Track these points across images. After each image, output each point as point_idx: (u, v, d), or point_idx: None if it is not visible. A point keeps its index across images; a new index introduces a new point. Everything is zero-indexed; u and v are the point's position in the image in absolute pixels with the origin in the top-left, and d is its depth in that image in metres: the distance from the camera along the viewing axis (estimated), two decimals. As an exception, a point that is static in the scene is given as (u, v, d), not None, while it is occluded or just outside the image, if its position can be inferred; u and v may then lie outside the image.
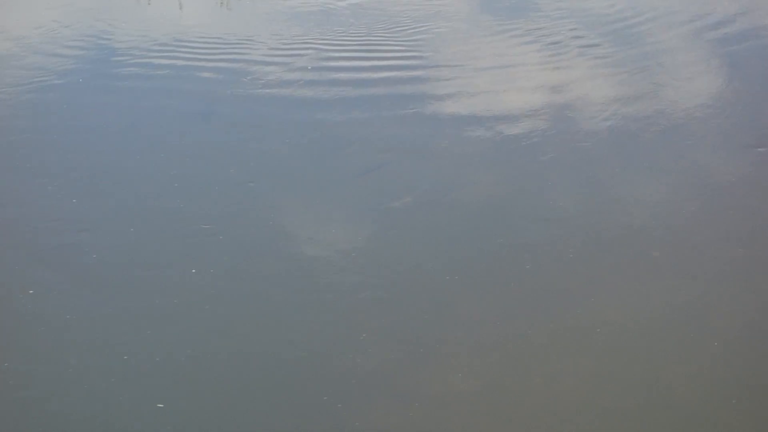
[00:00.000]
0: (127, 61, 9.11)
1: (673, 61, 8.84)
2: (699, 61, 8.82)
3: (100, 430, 4.71)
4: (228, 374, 5.00)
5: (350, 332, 5.25)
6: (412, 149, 7.26)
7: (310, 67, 8.84)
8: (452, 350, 5.09)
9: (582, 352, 5.07)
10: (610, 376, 4.90)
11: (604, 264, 5.80)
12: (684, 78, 8.42)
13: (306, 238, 6.15)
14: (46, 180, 6.89)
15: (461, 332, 5.22)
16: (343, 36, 9.69)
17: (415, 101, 8.03)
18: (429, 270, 5.76)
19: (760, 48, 9.19)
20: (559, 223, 6.19)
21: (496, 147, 7.23)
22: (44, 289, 5.69)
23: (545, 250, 5.92)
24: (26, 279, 5.80)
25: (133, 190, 6.79)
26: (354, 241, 6.04)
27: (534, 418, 4.67)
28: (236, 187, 6.74)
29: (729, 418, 4.61)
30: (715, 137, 7.33)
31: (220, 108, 8.02)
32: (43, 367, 5.09)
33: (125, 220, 6.38)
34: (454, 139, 7.35)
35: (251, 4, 11.06)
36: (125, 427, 4.70)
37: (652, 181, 6.69)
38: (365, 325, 5.31)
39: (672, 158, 7.02)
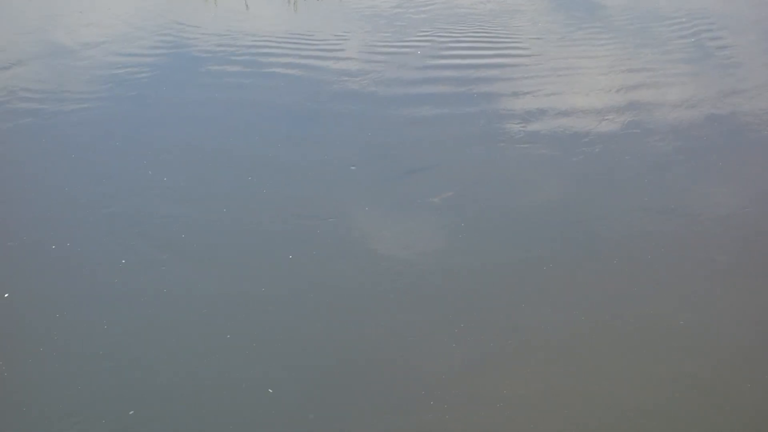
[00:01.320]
0: (221, 59, 9.30)
1: (750, 65, 8.97)
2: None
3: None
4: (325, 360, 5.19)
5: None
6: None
7: (394, 68, 8.99)
8: (521, 351, 5.22)
9: (647, 357, 5.16)
10: (676, 379, 5.00)
11: (670, 267, 5.88)
12: (760, 84, 8.51)
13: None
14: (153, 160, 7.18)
15: (529, 334, 5.33)
16: (419, 37, 9.87)
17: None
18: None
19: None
20: (624, 224, 6.31)
21: (565, 146, 7.33)
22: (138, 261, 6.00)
23: (609, 250, 6.04)
24: (122, 251, 6.11)
25: (236, 174, 7.00)
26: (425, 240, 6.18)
27: (602, 417, 4.80)
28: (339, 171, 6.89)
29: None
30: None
31: (326, 105, 8.12)
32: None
33: (222, 202, 6.62)
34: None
35: (318, 5, 11.27)
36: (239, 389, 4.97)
37: (720, 185, 6.79)
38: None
39: (741, 163, 7.11)
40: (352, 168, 7.06)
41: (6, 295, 5.96)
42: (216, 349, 5.29)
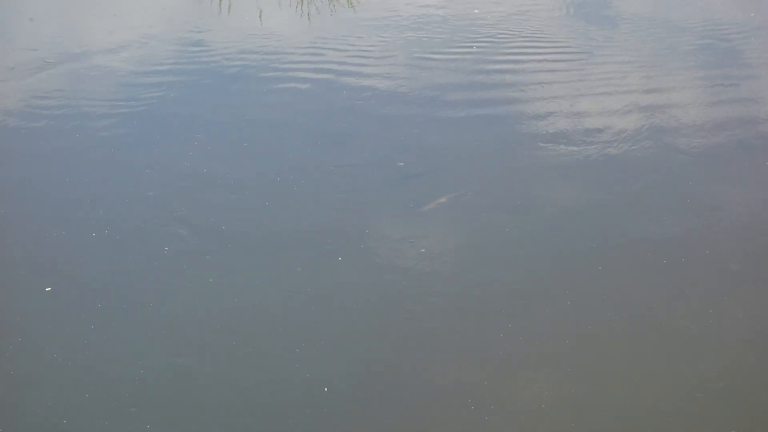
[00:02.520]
0: (241, 73, 9.44)
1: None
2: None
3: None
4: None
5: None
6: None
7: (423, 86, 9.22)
8: (529, 359, 5.43)
9: (661, 364, 5.35)
10: (692, 387, 5.19)
11: (684, 274, 6.10)
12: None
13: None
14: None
15: (539, 341, 5.54)
16: (441, 46, 10.07)
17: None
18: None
19: None
20: (638, 231, 6.55)
21: (580, 152, 7.58)
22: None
23: (626, 260, 6.25)
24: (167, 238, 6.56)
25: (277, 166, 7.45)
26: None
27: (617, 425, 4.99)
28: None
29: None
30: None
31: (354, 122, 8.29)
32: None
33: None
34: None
35: (330, 16, 11.42)
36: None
37: (736, 194, 7.02)
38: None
39: (758, 172, 7.34)
40: (400, 164, 7.40)
41: (48, 289, 6.20)
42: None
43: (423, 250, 6.40)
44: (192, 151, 7.78)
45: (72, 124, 8.39)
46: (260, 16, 11.25)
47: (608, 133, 7.88)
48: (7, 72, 9.53)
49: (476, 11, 11.05)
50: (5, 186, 7.41)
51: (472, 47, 9.93)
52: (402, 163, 7.41)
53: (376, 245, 6.45)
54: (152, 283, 6.21)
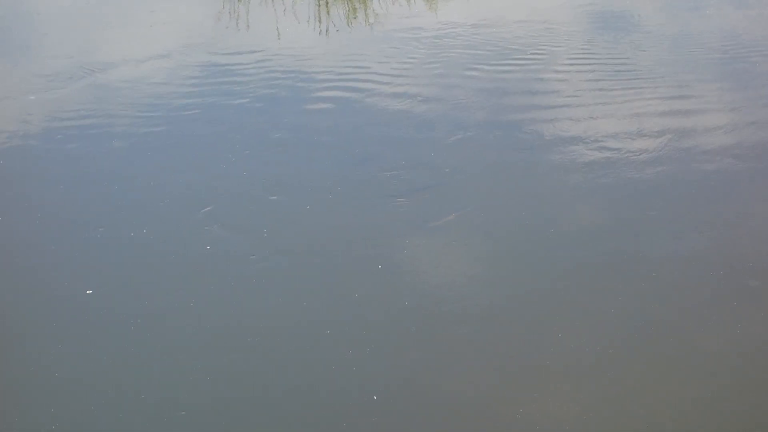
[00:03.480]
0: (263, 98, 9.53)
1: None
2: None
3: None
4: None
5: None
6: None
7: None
8: (549, 376, 5.55)
9: (680, 381, 5.44)
10: (711, 405, 5.29)
11: (702, 291, 6.21)
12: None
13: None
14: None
15: (558, 358, 5.67)
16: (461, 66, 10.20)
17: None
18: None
19: None
20: (654, 248, 6.66)
21: (596, 171, 7.73)
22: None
23: (644, 277, 6.36)
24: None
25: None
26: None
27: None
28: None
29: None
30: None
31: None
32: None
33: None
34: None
35: (348, 32, 11.54)
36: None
37: (754, 210, 7.17)
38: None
39: None
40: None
41: (89, 292, 6.29)
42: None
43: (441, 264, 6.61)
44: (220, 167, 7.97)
45: (104, 129, 8.48)
46: (278, 35, 11.32)
47: (627, 152, 8.02)
48: (33, 83, 9.61)
49: (493, 29, 11.15)
50: (42, 191, 7.62)
51: (493, 65, 10.00)
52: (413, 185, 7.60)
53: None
54: (195, 283, 6.43)
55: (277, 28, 11.65)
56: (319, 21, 11.93)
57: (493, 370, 5.61)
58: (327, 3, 12.45)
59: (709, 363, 5.57)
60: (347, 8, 12.24)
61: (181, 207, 7.38)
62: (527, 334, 5.88)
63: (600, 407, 5.28)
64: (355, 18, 12.00)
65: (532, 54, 10.39)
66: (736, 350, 5.66)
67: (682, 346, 5.70)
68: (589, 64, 10.11)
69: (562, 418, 5.22)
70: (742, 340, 5.74)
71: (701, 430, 5.13)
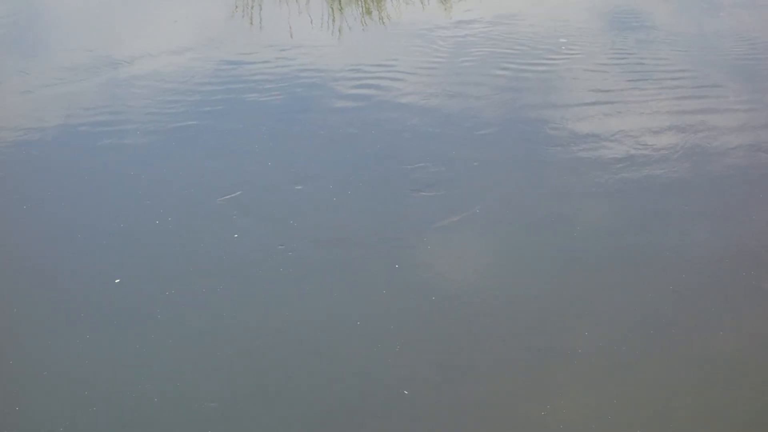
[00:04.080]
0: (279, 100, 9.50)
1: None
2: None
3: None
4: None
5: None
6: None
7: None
8: (560, 379, 5.61)
9: (694, 385, 5.49)
10: (724, 410, 5.32)
11: (717, 295, 6.24)
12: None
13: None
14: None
15: (569, 361, 5.72)
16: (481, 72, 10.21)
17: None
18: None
19: None
20: (669, 250, 6.70)
21: (609, 172, 7.77)
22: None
23: (657, 278, 6.42)
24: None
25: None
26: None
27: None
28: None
29: None
30: None
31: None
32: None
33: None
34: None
35: (362, 32, 11.56)
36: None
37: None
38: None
39: None
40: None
41: (117, 281, 6.30)
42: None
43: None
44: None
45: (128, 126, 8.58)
46: (291, 33, 11.32)
47: (644, 152, 8.06)
48: (49, 77, 9.62)
49: (507, 26, 11.17)
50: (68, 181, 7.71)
51: (507, 65, 10.02)
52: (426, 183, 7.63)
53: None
54: (223, 272, 6.51)
55: (291, 27, 11.68)
56: (333, 20, 11.95)
57: (520, 362, 5.71)
58: (340, 2, 12.46)
59: (722, 366, 5.60)
60: (362, 7, 12.26)
61: (207, 196, 7.45)
62: (552, 326, 5.97)
63: (610, 408, 5.34)
64: (369, 17, 12.02)
65: (550, 51, 10.45)
66: (750, 353, 5.70)
67: (694, 347, 5.74)
68: (610, 62, 10.15)
69: (586, 413, 5.30)
70: (755, 342, 5.79)
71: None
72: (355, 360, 5.74)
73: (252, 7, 12.31)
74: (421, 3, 12.34)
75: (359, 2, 12.46)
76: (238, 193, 7.39)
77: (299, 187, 7.55)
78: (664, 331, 5.88)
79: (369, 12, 12.15)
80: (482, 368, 5.66)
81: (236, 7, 12.36)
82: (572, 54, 10.41)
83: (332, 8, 12.30)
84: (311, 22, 11.85)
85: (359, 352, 5.78)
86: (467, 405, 5.40)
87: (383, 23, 11.75)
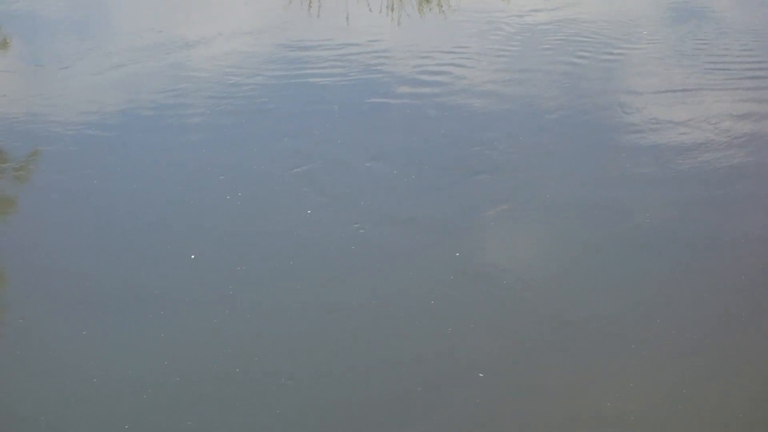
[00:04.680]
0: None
1: None
2: None
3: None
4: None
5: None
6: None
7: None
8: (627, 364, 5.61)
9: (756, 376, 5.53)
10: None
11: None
12: None
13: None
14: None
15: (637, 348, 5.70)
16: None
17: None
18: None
19: None
20: (726, 254, 6.62)
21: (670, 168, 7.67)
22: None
23: (709, 280, 6.34)
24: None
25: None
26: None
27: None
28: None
29: None
30: None
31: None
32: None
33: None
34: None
35: (420, 19, 11.57)
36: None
37: None
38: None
39: None
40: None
41: (192, 257, 6.35)
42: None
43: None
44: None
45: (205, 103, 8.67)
46: (347, 19, 11.34)
47: (701, 143, 8.01)
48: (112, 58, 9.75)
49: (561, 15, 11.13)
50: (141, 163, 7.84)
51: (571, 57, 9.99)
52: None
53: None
54: (295, 247, 6.61)
55: (349, 13, 11.72)
56: (392, 8, 11.97)
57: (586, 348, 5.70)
58: (399, -9, 12.50)
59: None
60: (420, -4, 12.30)
61: (279, 172, 7.55)
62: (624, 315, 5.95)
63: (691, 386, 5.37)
64: (428, 4, 12.03)
65: (610, 40, 10.42)
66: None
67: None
68: (688, 51, 10.08)
69: (653, 401, 5.30)
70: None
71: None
72: (428, 340, 5.77)
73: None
74: (480, -9, 12.37)
75: (419, -9, 12.49)
76: (305, 168, 7.46)
77: (368, 164, 7.66)
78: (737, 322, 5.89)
79: (428, 1, 12.16)
80: (549, 353, 5.67)
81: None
82: (643, 42, 10.35)
83: (392, -3, 12.36)
84: (370, 9, 11.90)
85: (432, 333, 5.82)
86: (537, 389, 5.42)
87: (442, 10, 11.76)
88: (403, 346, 5.71)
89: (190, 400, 5.34)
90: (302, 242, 6.64)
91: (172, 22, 11.18)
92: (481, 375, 5.48)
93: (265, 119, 8.53)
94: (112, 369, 5.53)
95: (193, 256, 6.48)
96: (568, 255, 6.54)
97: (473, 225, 6.86)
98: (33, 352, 5.69)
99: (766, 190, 7.30)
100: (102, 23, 11.33)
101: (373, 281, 6.25)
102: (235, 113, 8.61)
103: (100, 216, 7.04)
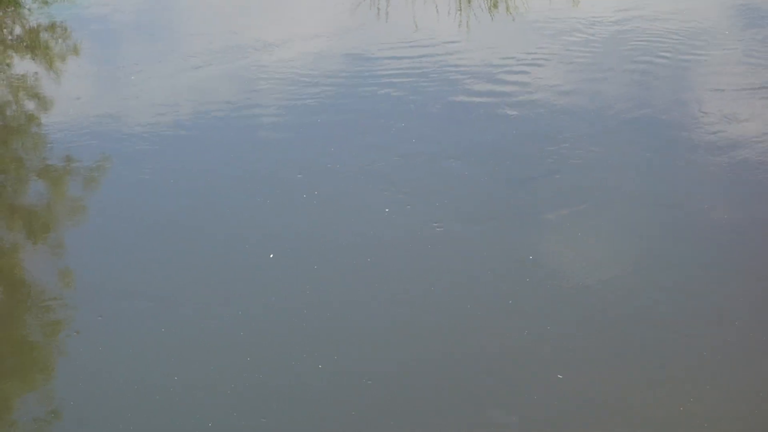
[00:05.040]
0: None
1: None
2: None
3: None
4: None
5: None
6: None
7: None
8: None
9: None
10: None
11: None
12: None
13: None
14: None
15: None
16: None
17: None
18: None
19: None
20: None
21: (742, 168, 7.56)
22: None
23: None
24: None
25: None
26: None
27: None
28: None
29: None
30: None
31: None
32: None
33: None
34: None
35: (490, 23, 11.50)
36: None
37: None
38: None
39: None
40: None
41: (271, 256, 6.36)
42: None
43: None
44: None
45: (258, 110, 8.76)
46: (415, 22, 11.31)
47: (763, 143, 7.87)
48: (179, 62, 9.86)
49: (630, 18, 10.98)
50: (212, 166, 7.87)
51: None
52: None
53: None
54: (375, 244, 6.64)
55: (416, 17, 11.70)
56: (460, 11, 11.93)
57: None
58: (467, -7, 12.45)
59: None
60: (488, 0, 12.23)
61: (356, 170, 7.55)
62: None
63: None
64: (496, 9, 11.97)
65: (679, 44, 10.23)
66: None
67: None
68: (738, 56, 9.87)
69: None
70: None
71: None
72: (508, 339, 5.74)
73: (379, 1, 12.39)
74: (548, -5, 12.29)
75: (487, -7, 12.44)
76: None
77: (447, 163, 7.64)
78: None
79: (496, 5, 12.10)
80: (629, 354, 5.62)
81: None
82: (723, 41, 10.21)
83: (459, 0, 12.29)
84: (437, 11, 11.88)
85: (512, 331, 5.79)
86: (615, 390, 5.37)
87: (510, 13, 11.69)
88: (482, 343, 5.69)
89: (270, 397, 5.36)
90: (380, 240, 6.64)
91: (245, 26, 11.25)
92: (560, 376, 5.46)
93: (340, 118, 8.55)
94: (192, 367, 5.57)
95: (271, 255, 6.48)
96: (645, 254, 6.46)
97: (549, 224, 6.81)
98: (113, 350, 5.74)
99: None
100: (175, 27, 11.44)
101: (450, 279, 6.22)
102: (311, 113, 8.64)
103: (176, 215, 7.11)
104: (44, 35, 10.92)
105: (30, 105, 9.29)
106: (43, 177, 7.75)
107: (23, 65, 10.19)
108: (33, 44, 10.71)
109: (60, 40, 10.81)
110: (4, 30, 11.18)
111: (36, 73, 9.90)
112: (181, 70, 9.70)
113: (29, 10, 11.48)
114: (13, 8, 11.55)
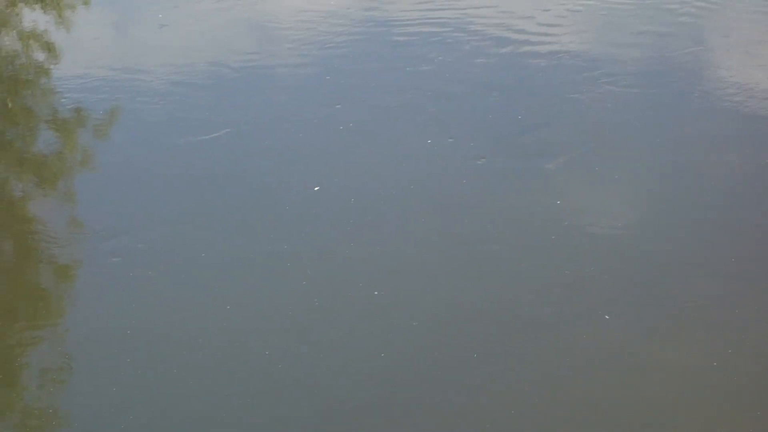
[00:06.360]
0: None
1: None
2: None
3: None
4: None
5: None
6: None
7: None
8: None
9: None
10: None
11: None
12: None
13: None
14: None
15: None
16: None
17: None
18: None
19: None
20: None
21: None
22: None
23: None
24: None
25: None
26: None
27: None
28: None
29: None
30: None
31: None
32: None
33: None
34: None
35: None
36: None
37: None
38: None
39: None
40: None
41: (316, 188, 6.39)
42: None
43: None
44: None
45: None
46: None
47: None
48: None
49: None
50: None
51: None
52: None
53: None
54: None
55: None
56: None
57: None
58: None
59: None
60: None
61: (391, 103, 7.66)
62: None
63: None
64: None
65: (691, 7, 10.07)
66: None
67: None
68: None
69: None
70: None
71: None
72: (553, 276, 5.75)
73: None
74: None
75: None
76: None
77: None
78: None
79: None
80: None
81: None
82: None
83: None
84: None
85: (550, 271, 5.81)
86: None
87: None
88: (524, 278, 5.71)
89: (326, 323, 5.41)
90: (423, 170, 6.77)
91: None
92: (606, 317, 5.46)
93: (374, 53, 8.66)
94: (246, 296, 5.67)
95: (317, 188, 6.58)
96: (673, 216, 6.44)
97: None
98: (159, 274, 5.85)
99: None
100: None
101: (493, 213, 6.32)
102: (340, 56, 8.72)
103: (200, 162, 7.11)
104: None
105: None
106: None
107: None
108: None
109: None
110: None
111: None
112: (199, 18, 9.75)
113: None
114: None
